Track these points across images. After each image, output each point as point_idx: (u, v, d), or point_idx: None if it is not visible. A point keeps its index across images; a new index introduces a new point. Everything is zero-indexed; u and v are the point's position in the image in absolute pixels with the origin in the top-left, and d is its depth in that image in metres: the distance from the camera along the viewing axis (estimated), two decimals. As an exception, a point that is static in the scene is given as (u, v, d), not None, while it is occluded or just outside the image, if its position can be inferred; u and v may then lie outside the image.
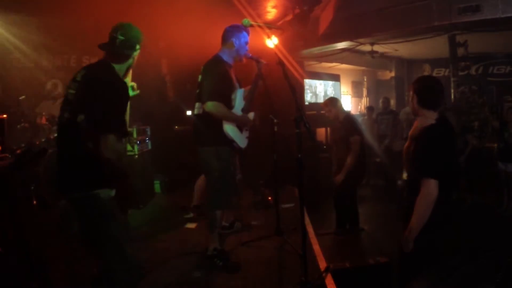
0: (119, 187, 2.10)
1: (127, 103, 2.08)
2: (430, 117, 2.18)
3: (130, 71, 2.36)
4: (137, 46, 2.17)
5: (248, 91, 3.14)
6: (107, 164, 1.89)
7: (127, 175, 2.08)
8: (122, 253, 2.05)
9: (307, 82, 7.44)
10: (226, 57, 2.99)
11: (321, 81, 7.89)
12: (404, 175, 4.92)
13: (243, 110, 3.05)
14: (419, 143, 2.15)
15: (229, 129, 2.91)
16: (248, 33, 3.04)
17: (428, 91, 2.22)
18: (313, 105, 7.26)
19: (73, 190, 2.00)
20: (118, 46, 2.07)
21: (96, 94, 1.93)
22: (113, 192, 2.05)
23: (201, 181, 4.16)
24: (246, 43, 3.03)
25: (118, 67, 2.12)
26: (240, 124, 3.04)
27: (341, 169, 4.09)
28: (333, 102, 4.38)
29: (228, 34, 3.00)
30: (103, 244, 2.05)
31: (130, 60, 2.19)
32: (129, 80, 2.45)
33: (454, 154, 2.33)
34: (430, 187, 2.01)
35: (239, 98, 3.01)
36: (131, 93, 2.43)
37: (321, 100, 7.26)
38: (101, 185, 1.98)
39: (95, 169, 1.93)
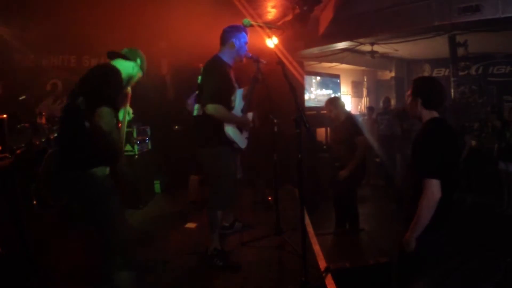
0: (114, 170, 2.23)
1: (120, 83, 2.25)
2: (431, 116, 2.19)
3: (129, 96, 2.55)
4: (138, 60, 2.45)
5: (246, 92, 3.14)
6: (102, 139, 2.02)
7: (121, 151, 2.22)
8: (119, 228, 2.20)
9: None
10: (226, 58, 2.99)
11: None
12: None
13: (242, 110, 3.05)
14: (419, 144, 2.16)
15: (229, 130, 2.91)
16: (246, 33, 3.03)
17: (433, 92, 2.22)
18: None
19: (70, 169, 2.12)
20: (123, 53, 2.41)
21: (92, 76, 2.17)
22: (108, 170, 2.18)
23: (194, 178, 4.29)
24: (246, 43, 3.03)
25: (121, 64, 2.33)
26: (240, 125, 3.04)
27: (344, 168, 4.09)
28: (334, 102, 4.37)
29: (228, 35, 2.99)
30: (100, 221, 2.18)
31: (133, 64, 2.41)
32: (127, 106, 2.60)
33: (455, 154, 2.32)
34: (433, 188, 2.01)
35: (238, 99, 3.01)
36: (127, 117, 2.60)
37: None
38: (96, 163, 2.11)
39: (91, 148, 2.06)
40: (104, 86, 2.10)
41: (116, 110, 2.14)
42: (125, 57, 2.39)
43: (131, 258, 2.26)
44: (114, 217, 2.19)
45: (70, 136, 2.14)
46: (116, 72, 2.22)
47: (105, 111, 2.02)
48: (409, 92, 2.29)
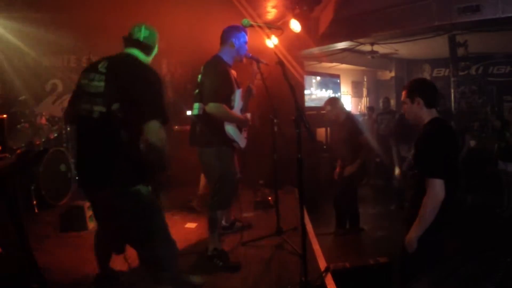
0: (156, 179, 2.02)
1: (163, 88, 1.96)
2: (431, 116, 2.19)
3: None
4: (156, 48, 2.20)
5: (244, 94, 3.14)
6: (154, 155, 1.80)
7: (168, 166, 2.00)
8: (169, 241, 2.04)
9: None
10: (226, 58, 2.99)
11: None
12: (397, 171, 4.95)
13: (241, 110, 3.06)
14: (422, 144, 2.16)
15: (230, 129, 2.91)
16: (246, 33, 3.03)
17: (430, 90, 2.24)
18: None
19: (110, 186, 1.88)
20: (143, 39, 2.07)
21: (134, 80, 1.84)
22: (151, 187, 1.97)
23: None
24: (245, 43, 3.03)
25: (144, 59, 2.08)
26: (240, 124, 3.05)
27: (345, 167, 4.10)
28: (334, 102, 4.37)
29: (227, 35, 3.00)
30: (148, 238, 1.97)
31: (150, 58, 2.16)
32: None
33: (456, 154, 2.33)
34: (437, 188, 2.01)
35: (237, 99, 3.01)
36: None
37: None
38: (140, 180, 1.89)
39: (133, 163, 1.83)
40: (150, 95, 1.81)
41: (167, 121, 1.84)
42: (144, 47, 2.08)
43: (178, 275, 2.11)
44: (162, 232, 2.01)
45: (101, 148, 1.86)
46: (157, 76, 1.91)
47: (155, 125, 1.77)
48: (404, 97, 2.28)
